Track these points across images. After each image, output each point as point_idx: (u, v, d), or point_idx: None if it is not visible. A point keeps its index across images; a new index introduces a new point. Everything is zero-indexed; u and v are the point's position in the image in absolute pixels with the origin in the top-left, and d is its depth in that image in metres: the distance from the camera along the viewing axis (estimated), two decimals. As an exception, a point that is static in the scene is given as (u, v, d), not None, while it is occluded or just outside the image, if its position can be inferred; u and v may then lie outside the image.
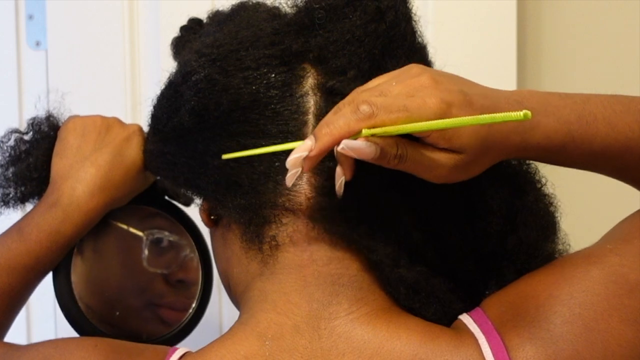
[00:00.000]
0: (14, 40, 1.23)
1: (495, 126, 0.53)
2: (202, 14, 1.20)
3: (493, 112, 0.49)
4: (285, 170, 0.53)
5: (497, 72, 1.20)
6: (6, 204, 0.76)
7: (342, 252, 0.58)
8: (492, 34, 1.21)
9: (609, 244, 0.59)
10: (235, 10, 0.67)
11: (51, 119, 0.79)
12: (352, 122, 0.50)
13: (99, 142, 0.74)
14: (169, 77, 0.67)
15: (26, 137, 0.77)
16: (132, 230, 0.81)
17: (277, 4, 0.65)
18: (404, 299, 0.58)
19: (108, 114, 0.77)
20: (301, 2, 0.62)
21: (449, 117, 0.50)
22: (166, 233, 0.82)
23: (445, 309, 0.58)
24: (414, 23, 0.63)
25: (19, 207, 0.77)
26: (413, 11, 0.63)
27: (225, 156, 0.59)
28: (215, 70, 0.60)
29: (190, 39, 0.70)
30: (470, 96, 0.53)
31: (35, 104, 0.80)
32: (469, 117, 0.48)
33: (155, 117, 0.68)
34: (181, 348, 0.60)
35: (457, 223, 0.60)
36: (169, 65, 0.70)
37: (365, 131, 0.49)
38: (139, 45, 1.22)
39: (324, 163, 0.56)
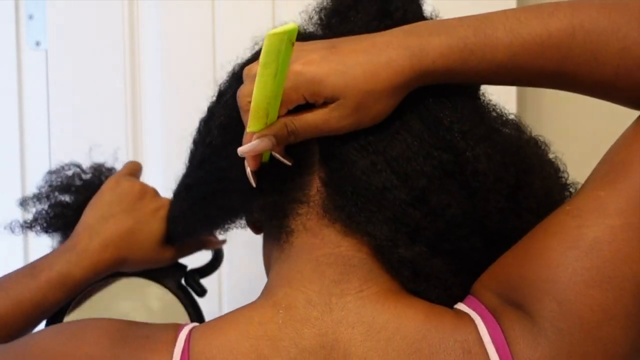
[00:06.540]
0: (14, 40, 1.23)
1: (374, 62, 0.55)
2: (202, 14, 1.20)
3: (368, 54, 0.55)
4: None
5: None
6: (31, 225, 0.82)
7: (352, 238, 0.60)
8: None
9: (568, 205, 0.58)
10: None
11: (112, 171, 0.86)
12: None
13: (129, 205, 0.81)
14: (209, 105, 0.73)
15: (84, 176, 0.85)
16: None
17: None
18: (408, 282, 0.60)
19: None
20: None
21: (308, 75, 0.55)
22: None
23: (447, 291, 0.60)
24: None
25: (36, 233, 0.82)
26: (424, 10, 0.65)
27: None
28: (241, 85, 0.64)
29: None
30: (336, 42, 0.56)
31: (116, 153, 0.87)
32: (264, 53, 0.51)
33: (191, 149, 0.72)
34: (190, 324, 0.62)
35: (454, 198, 0.59)
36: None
37: (248, 128, 0.55)
38: (139, 45, 1.23)
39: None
